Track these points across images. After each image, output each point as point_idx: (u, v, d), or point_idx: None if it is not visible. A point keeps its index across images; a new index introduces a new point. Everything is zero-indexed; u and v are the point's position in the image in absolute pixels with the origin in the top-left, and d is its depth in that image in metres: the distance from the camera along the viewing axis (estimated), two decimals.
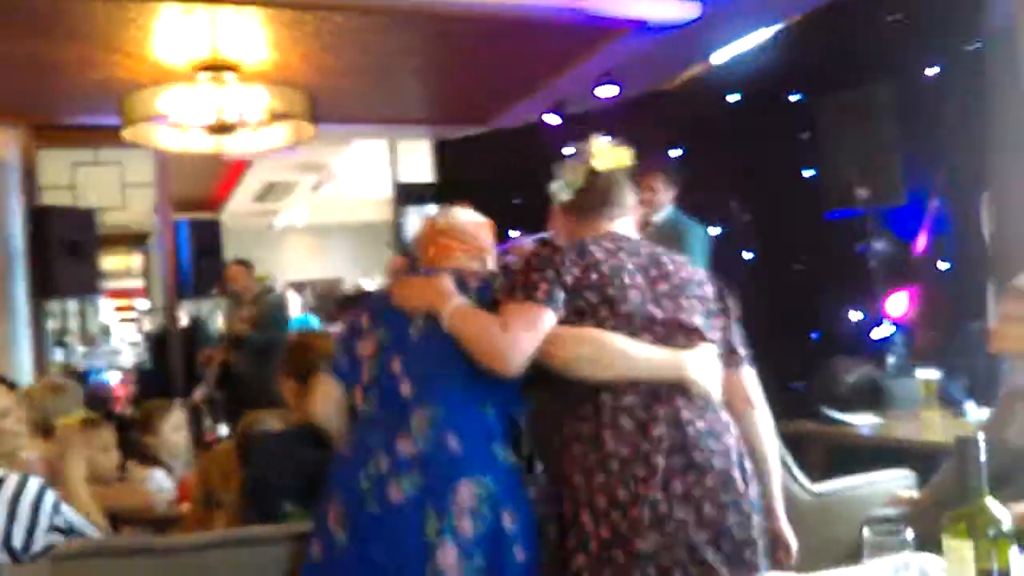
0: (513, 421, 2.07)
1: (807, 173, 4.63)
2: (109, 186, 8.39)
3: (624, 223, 2.14)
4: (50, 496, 2.19)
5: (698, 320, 2.00)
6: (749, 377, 2.08)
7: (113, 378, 7.93)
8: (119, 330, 11.25)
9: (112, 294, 11.15)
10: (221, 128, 5.14)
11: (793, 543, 2.08)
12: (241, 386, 5.94)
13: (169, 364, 6.91)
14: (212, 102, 4.98)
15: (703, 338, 1.99)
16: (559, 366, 1.91)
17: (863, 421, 3.47)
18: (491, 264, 2.28)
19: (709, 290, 2.08)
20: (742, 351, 2.09)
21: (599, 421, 1.88)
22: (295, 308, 8.37)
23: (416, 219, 8.62)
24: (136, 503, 2.91)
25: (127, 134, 5.12)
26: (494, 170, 7.09)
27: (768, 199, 5.18)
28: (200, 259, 7.01)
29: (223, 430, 4.60)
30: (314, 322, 8.07)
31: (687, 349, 1.95)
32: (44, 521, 2.15)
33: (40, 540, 2.15)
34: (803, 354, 4.41)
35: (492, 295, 2.06)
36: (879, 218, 4.43)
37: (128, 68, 5.32)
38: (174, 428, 3.52)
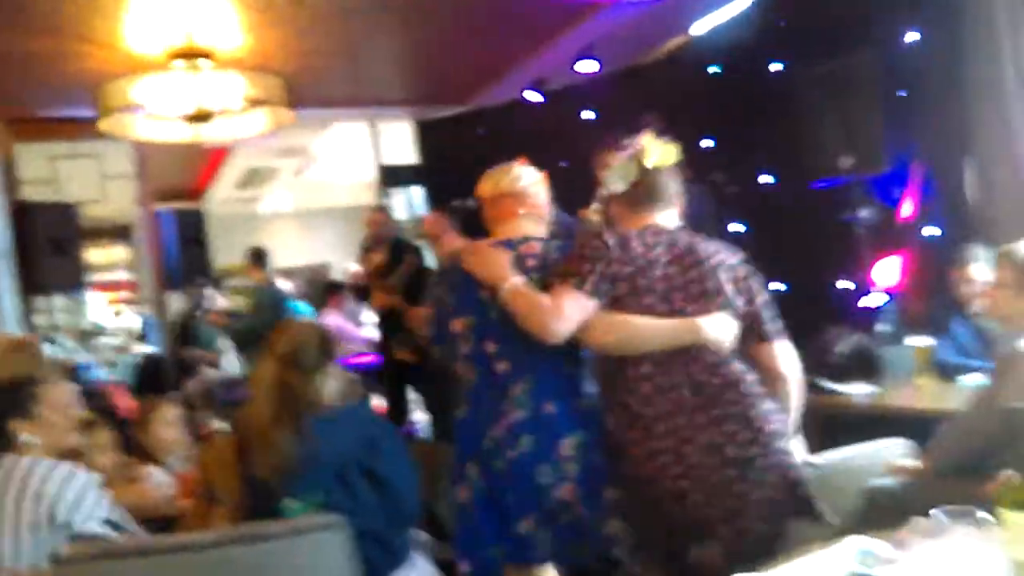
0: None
1: (791, 143, 4.62)
2: (89, 179, 8.28)
3: (668, 215, 2.40)
4: (103, 492, 2.46)
5: (723, 300, 2.26)
6: (781, 349, 2.32)
7: (107, 374, 7.85)
8: (112, 323, 11.15)
9: (99, 287, 11.05)
10: (198, 116, 5.07)
11: None
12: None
13: (163, 357, 6.89)
14: (188, 90, 4.91)
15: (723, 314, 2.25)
16: (593, 348, 2.31)
17: (857, 391, 3.48)
18: (548, 219, 2.59)
19: (739, 273, 2.32)
20: (771, 326, 2.31)
21: (626, 388, 2.24)
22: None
23: (401, 200, 8.62)
24: (134, 502, 2.89)
25: (104, 126, 5.04)
26: (477, 149, 7.04)
27: (752, 171, 5.17)
28: (185, 249, 6.94)
29: (217, 423, 4.57)
30: (304, 309, 8.01)
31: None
32: (101, 511, 2.39)
33: (94, 526, 2.36)
34: (793, 325, 4.42)
35: (545, 275, 2.37)
36: (864, 186, 4.43)
37: (101, 59, 5.25)
38: (165, 424, 3.48)
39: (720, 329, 2.23)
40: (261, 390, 2.43)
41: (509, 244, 2.46)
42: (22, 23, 4.67)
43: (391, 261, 5.52)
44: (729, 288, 2.27)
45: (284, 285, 7.56)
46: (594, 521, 2.34)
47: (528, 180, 2.57)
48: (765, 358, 2.31)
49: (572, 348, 2.35)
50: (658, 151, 2.38)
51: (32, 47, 5.01)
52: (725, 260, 2.31)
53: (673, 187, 2.40)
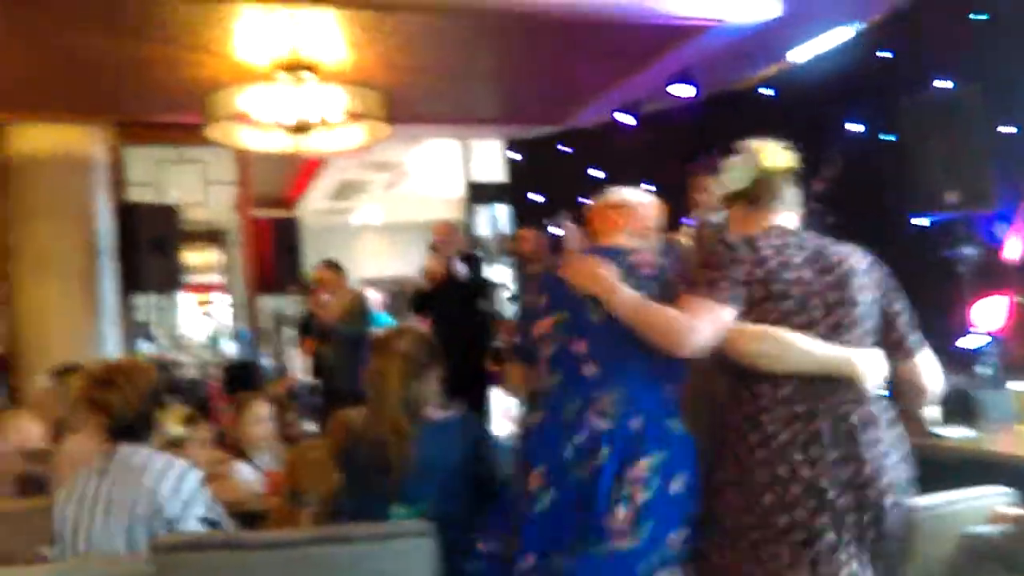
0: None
1: (894, 176, 4.50)
2: (192, 183, 8.59)
3: (788, 218, 2.28)
4: (207, 490, 2.52)
5: (862, 309, 2.14)
6: (924, 361, 2.25)
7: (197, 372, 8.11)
8: (202, 324, 11.50)
9: (190, 288, 11.41)
10: (299, 128, 5.21)
11: None
12: (331, 377, 6.03)
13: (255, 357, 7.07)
14: (291, 102, 5.05)
15: (862, 331, 2.14)
16: (740, 358, 2.10)
17: (954, 434, 3.36)
18: (655, 241, 2.48)
19: (875, 277, 2.22)
20: (913, 337, 2.23)
21: (758, 405, 2.08)
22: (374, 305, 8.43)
23: (485, 218, 8.72)
24: (223, 496, 2.96)
25: (210, 133, 5.21)
26: (563, 170, 7.07)
27: (852, 202, 5.05)
28: (280, 256, 7.12)
29: (311, 426, 4.65)
30: (389, 320, 8.14)
31: (851, 345, 2.11)
32: (199, 508, 2.45)
33: (192, 523, 2.42)
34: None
35: (663, 284, 2.25)
36: (969, 223, 4.28)
37: (211, 67, 5.44)
38: (256, 421, 3.58)
39: (872, 367, 2.12)
40: (381, 388, 2.44)
41: (614, 252, 2.34)
42: (140, 31, 4.88)
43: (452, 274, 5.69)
44: (865, 297, 2.16)
45: (371, 295, 7.70)
46: (643, 560, 2.10)
47: (637, 198, 2.51)
48: (908, 373, 2.24)
49: (677, 362, 2.18)
50: (776, 152, 2.30)
51: (147, 54, 5.22)
52: (858, 265, 2.20)
53: (796, 192, 2.31)
